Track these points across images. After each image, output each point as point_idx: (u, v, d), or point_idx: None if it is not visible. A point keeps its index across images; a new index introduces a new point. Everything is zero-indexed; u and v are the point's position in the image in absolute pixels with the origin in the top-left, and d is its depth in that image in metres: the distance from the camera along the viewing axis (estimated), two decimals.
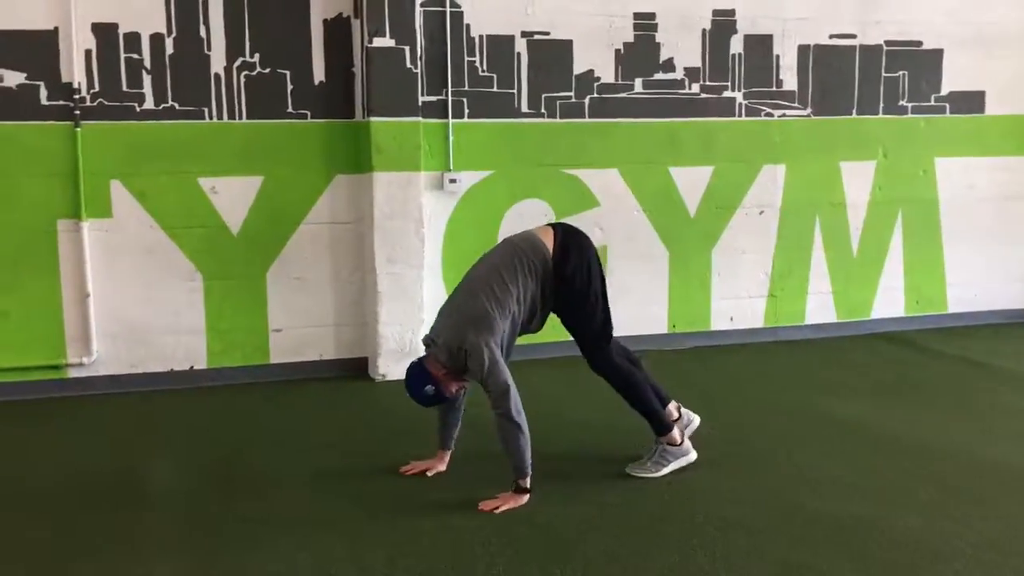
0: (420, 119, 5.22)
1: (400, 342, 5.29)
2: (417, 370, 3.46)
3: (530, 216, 5.53)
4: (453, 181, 5.43)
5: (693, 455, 3.75)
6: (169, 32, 4.96)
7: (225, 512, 3.38)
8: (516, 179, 5.61)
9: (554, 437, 4.05)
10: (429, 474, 3.70)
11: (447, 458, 3.76)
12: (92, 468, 3.89)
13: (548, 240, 3.54)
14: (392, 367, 5.27)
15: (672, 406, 3.85)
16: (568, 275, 3.50)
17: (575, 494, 3.51)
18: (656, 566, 2.91)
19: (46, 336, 4.92)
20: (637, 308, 5.89)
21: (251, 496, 3.56)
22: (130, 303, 5.03)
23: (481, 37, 5.46)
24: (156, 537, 3.18)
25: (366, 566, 2.93)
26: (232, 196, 5.13)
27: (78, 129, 4.84)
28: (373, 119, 5.10)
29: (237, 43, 5.07)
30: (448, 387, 3.46)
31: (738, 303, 6.15)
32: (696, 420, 3.95)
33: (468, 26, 5.43)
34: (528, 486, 3.39)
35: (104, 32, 4.86)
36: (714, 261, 6.07)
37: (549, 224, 3.70)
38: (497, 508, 3.32)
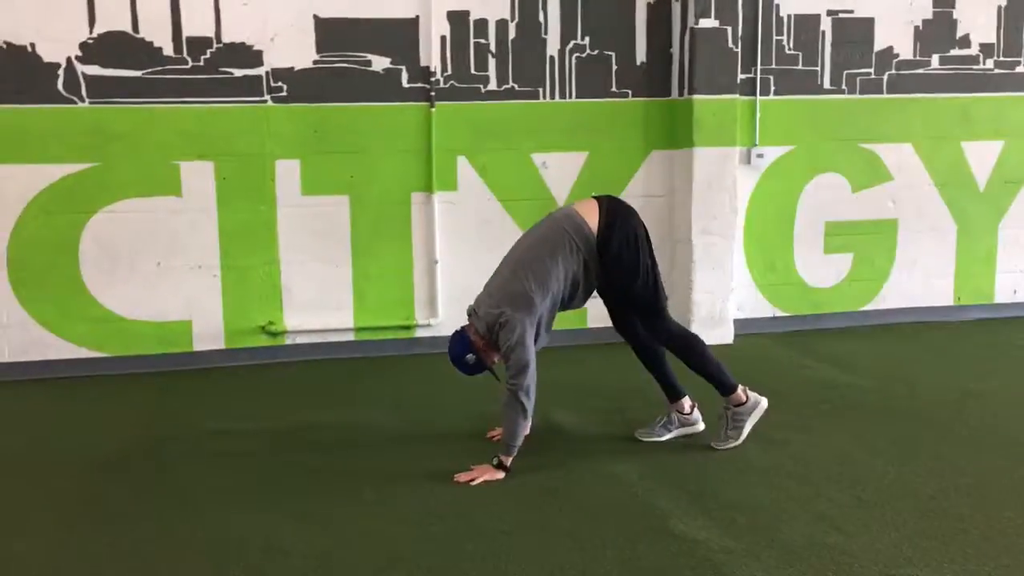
0: (738, 96, 5.47)
1: (712, 309, 5.57)
2: (460, 338, 3.55)
3: (828, 188, 5.76)
4: (760, 156, 5.67)
5: (764, 402, 3.73)
6: (512, 18, 5.33)
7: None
8: (816, 153, 5.80)
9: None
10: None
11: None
12: (457, 412, 4.29)
13: (592, 216, 3.51)
14: (706, 333, 5.50)
15: (686, 402, 3.85)
16: (615, 252, 3.49)
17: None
18: None
19: (399, 299, 5.39)
20: (924, 280, 6.04)
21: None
22: (470, 269, 5.40)
23: (789, 16, 5.66)
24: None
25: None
26: (560, 170, 5.50)
27: (432, 109, 5.27)
28: (696, 96, 5.38)
29: (570, 27, 5.41)
30: (489, 357, 3.53)
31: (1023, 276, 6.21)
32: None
33: (777, 6, 5.63)
34: (508, 464, 3.42)
35: (457, 19, 5.27)
36: (1000, 235, 6.14)
37: (594, 196, 3.67)
38: (473, 480, 3.36)
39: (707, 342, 5.41)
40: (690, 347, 3.70)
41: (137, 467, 3.66)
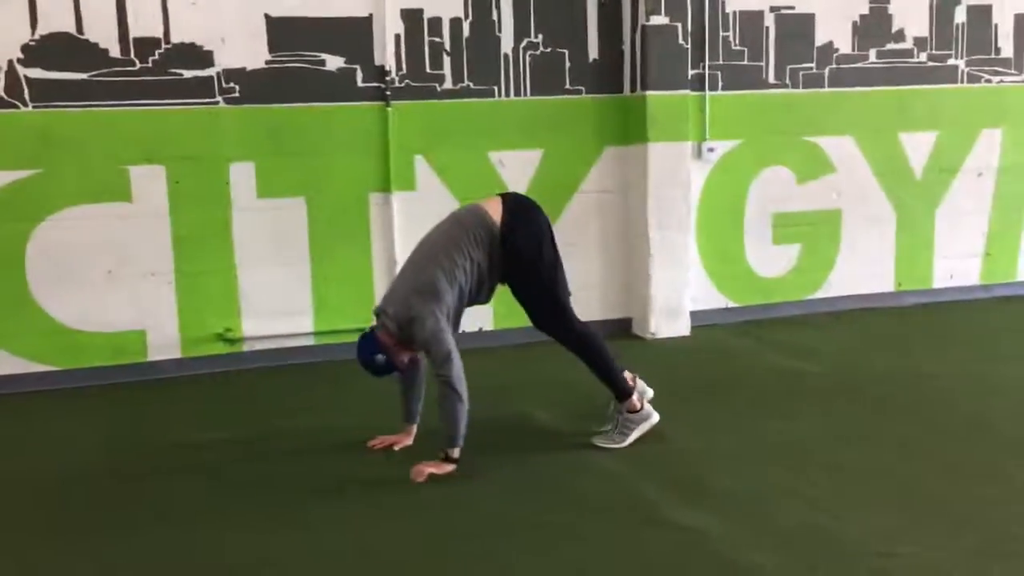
0: (689, 92, 5.56)
1: (669, 302, 5.66)
2: (368, 340, 3.51)
3: (774, 181, 5.92)
4: (711, 150, 5.78)
5: (655, 417, 3.75)
6: (466, 16, 5.32)
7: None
8: (762, 147, 5.94)
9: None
10: (396, 448, 3.73)
11: (413, 431, 3.79)
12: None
13: (496, 211, 3.55)
14: (663, 326, 5.66)
15: (627, 374, 3.84)
16: (517, 246, 3.52)
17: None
18: None
19: (358, 300, 5.32)
20: (866, 268, 6.24)
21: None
22: None
23: (734, 13, 5.78)
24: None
25: None
26: (517, 168, 5.51)
27: (389, 109, 5.23)
28: (649, 93, 5.45)
29: (523, 25, 5.42)
30: (399, 356, 3.50)
31: (959, 262, 6.47)
32: (649, 392, 3.94)
33: (723, 3, 5.75)
34: (456, 456, 3.40)
35: (411, 17, 5.23)
36: (937, 222, 6.39)
37: (499, 194, 3.72)
38: (422, 474, 3.37)
39: (665, 335, 5.66)
40: (591, 348, 3.69)
41: (101, 484, 3.53)
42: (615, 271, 5.79)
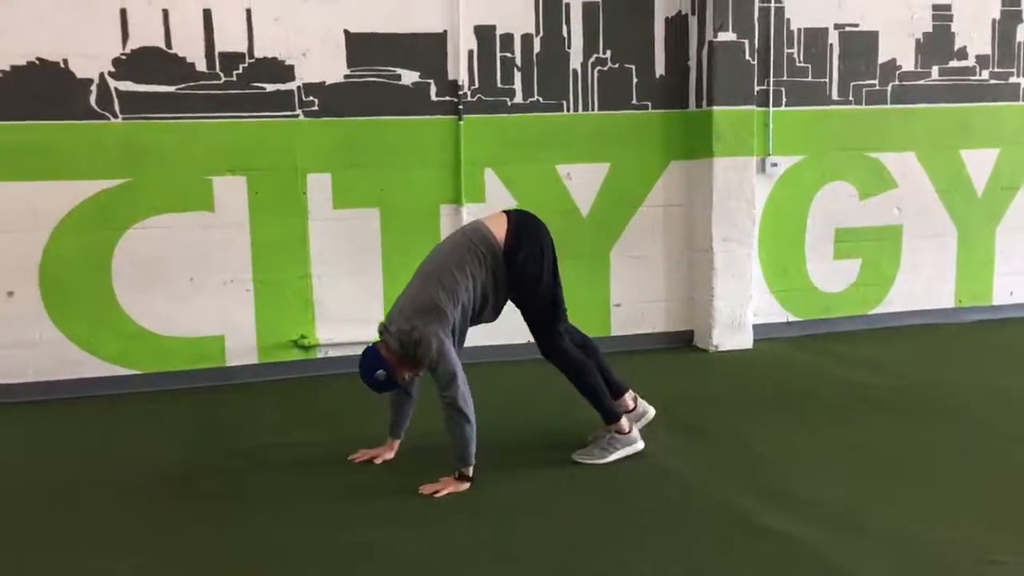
0: (755, 108, 5.63)
1: (732, 316, 5.71)
2: (371, 355, 3.49)
3: (836, 196, 5.97)
4: (774, 165, 5.84)
5: (640, 444, 3.74)
6: (537, 32, 5.43)
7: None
8: (825, 162, 5.99)
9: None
10: (377, 462, 3.74)
11: (396, 446, 3.80)
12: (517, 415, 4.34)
13: (500, 229, 3.54)
14: (725, 339, 5.71)
15: (628, 396, 3.89)
16: (520, 263, 3.51)
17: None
18: None
19: None
20: (926, 283, 6.26)
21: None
22: None
23: (799, 30, 5.85)
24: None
25: None
26: (583, 181, 5.60)
27: (460, 123, 5.34)
28: (715, 108, 5.53)
29: (592, 41, 5.52)
30: (400, 373, 3.47)
31: (1019, 279, 6.47)
32: (651, 412, 3.96)
33: (788, 20, 5.82)
34: (470, 475, 3.43)
35: (484, 33, 5.35)
36: (998, 239, 6.40)
37: (503, 211, 3.71)
38: (438, 492, 3.37)
39: (727, 348, 5.71)
40: (582, 371, 3.68)
41: (205, 483, 3.65)
42: (678, 284, 5.85)
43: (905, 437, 3.95)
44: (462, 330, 3.55)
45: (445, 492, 3.39)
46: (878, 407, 4.41)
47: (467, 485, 3.43)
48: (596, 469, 3.65)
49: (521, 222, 3.61)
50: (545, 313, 3.62)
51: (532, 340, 3.70)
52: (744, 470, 3.59)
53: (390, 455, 3.79)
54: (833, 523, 3.03)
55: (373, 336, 5.29)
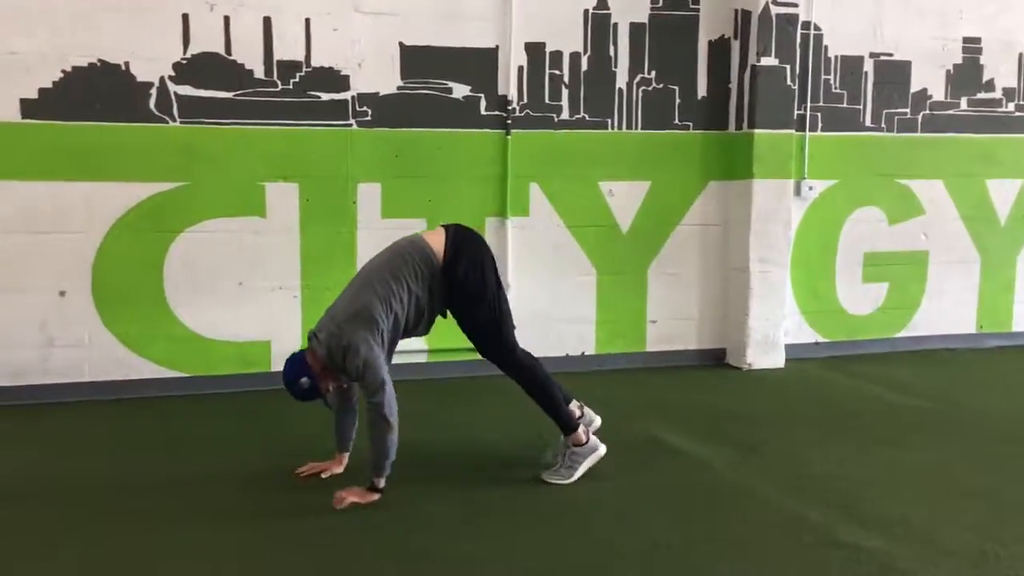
0: (794, 132, 5.75)
1: (766, 335, 5.81)
2: (296, 362, 3.46)
3: (867, 221, 6.09)
4: (811, 188, 5.96)
5: (602, 449, 3.74)
6: (585, 51, 5.53)
7: None
8: (857, 187, 6.12)
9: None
10: (324, 476, 3.70)
11: (345, 460, 3.77)
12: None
13: (438, 243, 3.56)
14: (759, 358, 5.80)
15: (574, 405, 3.89)
16: (460, 278, 3.52)
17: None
18: None
19: None
20: (950, 309, 6.40)
21: None
22: (538, 293, 5.58)
23: (836, 57, 5.99)
24: None
25: None
26: (625, 199, 5.69)
27: (508, 137, 5.42)
28: (756, 131, 5.64)
29: (638, 61, 5.62)
30: (324, 382, 3.45)
31: None
32: (597, 420, 3.98)
33: (826, 47, 5.96)
34: (381, 486, 3.38)
35: (534, 51, 5.44)
36: (1019, 267, 6.55)
37: (442, 225, 3.72)
38: (343, 501, 3.33)
39: (760, 367, 5.80)
40: (535, 381, 3.68)
41: (281, 481, 3.69)
42: (712, 302, 5.94)
43: (956, 457, 4.06)
44: (392, 341, 3.53)
45: (349, 502, 3.33)
46: (921, 428, 4.52)
47: (376, 497, 3.37)
48: (656, 482, 3.72)
49: (459, 236, 3.61)
50: (494, 326, 3.63)
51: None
52: (807, 485, 3.68)
53: (339, 469, 3.75)
54: (913, 540, 3.12)
55: (415, 345, 5.40)
